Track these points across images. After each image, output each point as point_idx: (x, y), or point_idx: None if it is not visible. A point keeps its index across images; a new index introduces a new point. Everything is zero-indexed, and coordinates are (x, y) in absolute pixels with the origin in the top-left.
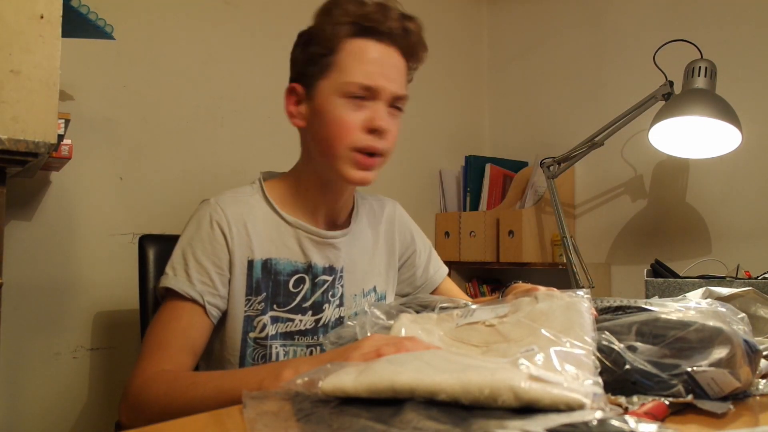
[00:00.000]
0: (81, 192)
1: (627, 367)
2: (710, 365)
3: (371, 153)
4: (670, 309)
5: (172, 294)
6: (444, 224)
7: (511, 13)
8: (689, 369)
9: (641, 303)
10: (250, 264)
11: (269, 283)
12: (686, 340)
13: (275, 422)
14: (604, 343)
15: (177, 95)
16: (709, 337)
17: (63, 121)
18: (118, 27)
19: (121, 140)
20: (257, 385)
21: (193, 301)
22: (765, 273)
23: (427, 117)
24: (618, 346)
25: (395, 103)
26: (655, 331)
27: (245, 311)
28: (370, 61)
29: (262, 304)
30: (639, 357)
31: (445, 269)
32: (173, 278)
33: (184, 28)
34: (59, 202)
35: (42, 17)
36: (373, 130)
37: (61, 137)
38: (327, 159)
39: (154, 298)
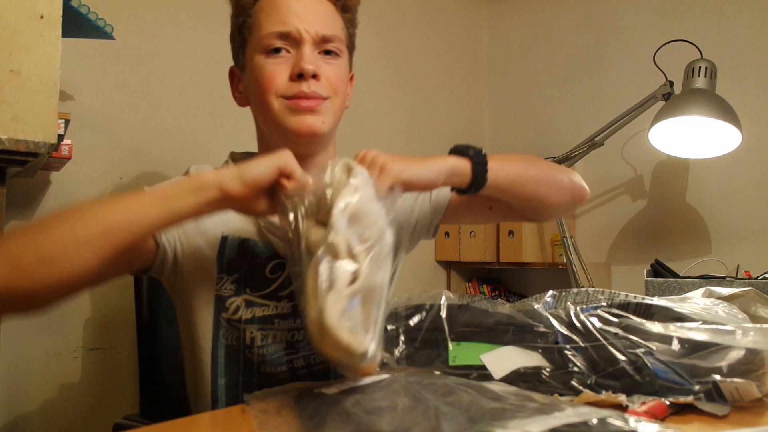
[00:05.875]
0: (81, 192)
1: (653, 374)
2: (737, 376)
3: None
4: (693, 309)
5: None
6: (444, 224)
7: (511, 13)
8: (717, 377)
9: (650, 300)
10: (224, 241)
11: (243, 265)
12: (730, 361)
13: (277, 421)
14: (630, 351)
15: (177, 95)
16: (751, 360)
17: (63, 121)
18: (118, 27)
19: (121, 140)
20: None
21: None
22: (765, 273)
23: (427, 117)
24: (640, 351)
25: (325, 47)
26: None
27: (216, 290)
28: (281, 8)
29: (234, 284)
30: (660, 356)
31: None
32: None
33: (184, 28)
34: (59, 202)
35: (42, 17)
36: (299, 75)
37: (61, 137)
38: (268, 120)
39: (149, 299)
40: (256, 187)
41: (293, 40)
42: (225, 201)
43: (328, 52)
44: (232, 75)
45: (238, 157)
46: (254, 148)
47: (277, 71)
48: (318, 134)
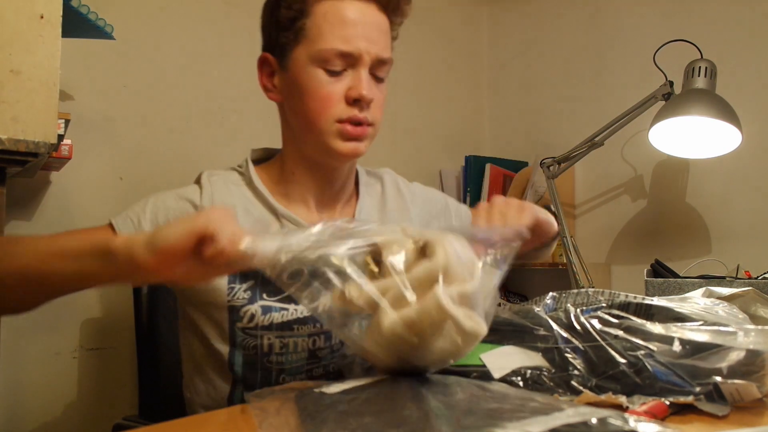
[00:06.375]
0: (81, 192)
1: (653, 377)
2: (737, 377)
3: (358, 122)
4: (693, 309)
5: None
6: None
7: (511, 13)
8: (718, 379)
9: (650, 300)
10: None
11: (258, 273)
12: (731, 362)
13: (277, 421)
14: (630, 353)
15: (177, 95)
16: (752, 361)
17: (63, 121)
18: (118, 27)
19: (121, 140)
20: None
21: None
22: (765, 273)
23: (427, 117)
24: (641, 353)
25: (376, 71)
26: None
27: (228, 301)
28: (347, 23)
29: (249, 292)
30: (660, 358)
31: (467, 208)
32: (117, 216)
33: (183, 28)
34: (59, 202)
35: (42, 17)
36: (356, 100)
37: (61, 137)
38: (312, 135)
39: (148, 299)
40: (168, 255)
41: (353, 58)
42: (135, 271)
43: (375, 76)
44: (264, 63)
45: (257, 156)
46: (256, 146)
47: (334, 93)
48: (358, 156)
